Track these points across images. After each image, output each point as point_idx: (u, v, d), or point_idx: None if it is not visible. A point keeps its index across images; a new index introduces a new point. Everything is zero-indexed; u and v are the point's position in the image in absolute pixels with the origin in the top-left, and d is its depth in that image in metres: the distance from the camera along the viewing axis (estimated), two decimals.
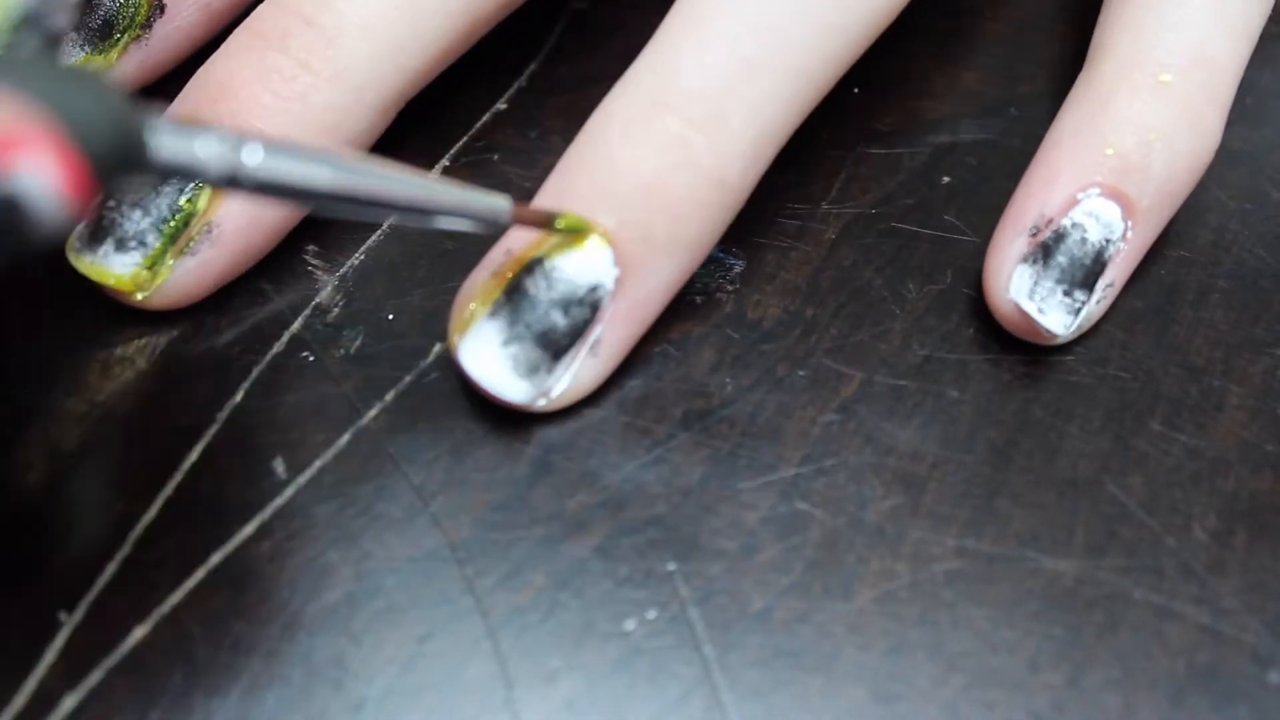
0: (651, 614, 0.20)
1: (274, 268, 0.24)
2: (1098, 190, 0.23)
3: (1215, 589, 0.21)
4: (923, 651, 0.20)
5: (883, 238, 0.26)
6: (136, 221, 0.23)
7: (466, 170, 0.26)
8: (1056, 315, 0.23)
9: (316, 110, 0.23)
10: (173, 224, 0.22)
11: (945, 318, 0.24)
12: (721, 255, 0.25)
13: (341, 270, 0.25)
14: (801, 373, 0.23)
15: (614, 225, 0.21)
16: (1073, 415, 0.23)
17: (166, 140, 0.16)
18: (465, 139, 0.27)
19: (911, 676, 0.20)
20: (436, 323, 0.23)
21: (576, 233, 0.21)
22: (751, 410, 0.23)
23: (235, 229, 0.23)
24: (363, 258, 0.25)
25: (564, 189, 0.22)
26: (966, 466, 0.22)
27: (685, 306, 0.24)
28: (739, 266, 0.25)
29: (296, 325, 0.24)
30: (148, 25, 0.26)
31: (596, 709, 0.20)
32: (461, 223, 0.20)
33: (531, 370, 0.22)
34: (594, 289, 0.21)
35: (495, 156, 0.27)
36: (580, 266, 0.21)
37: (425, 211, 0.19)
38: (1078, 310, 0.23)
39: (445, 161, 0.27)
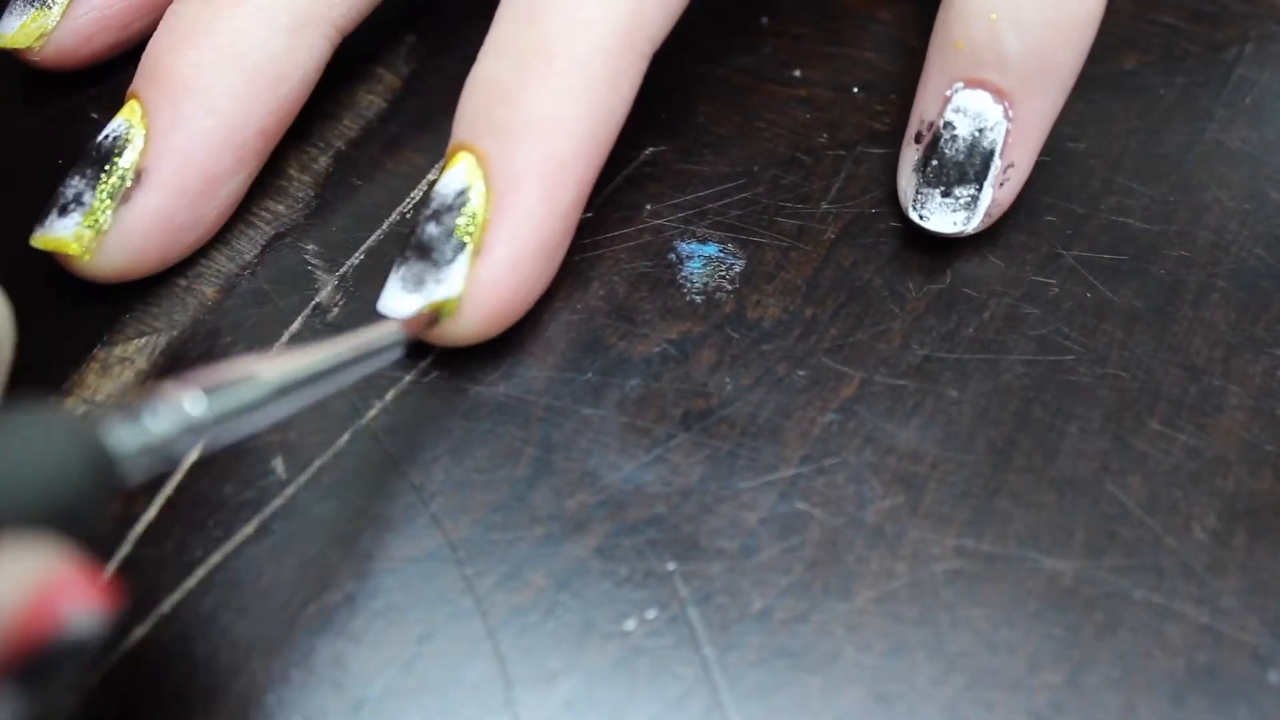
0: (651, 614, 0.20)
1: (274, 268, 0.24)
2: (961, 84, 0.24)
3: (1215, 589, 0.21)
4: (922, 651, 0.20)
5: (882, 237, 0.26)
6: (75, 185, 0.23)
7: None
8: (940, 217, 0.24)
9: (224, 40, 0.23)
10: (108, 180, 0.23)
11: (945, 317, 0.24)
12: (721, 254, 0.25)
13: (341, 270, 0.25)
14: (801, 373, 0.23)
15: (468, 135, 0.23)
16: (1072, 415, 0.23)
17: (126, 438, 0.16)
18: None
19: (911, 676, 0.20)
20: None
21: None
22: (751, 410, 0.23)
23: (167, 171, 0.23)
24: (363, 258, 0.25)
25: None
26: (966, 466, 0.22)
27: (685, 306, 0.24)
28: (739, 266, 0.25)
29: (296, 325, 0.24)
30: None
31: (596, 709, 0.20)
32: (378, 360, 0.21)
33: (418, 283, 0.22)
34: (460, 193, 0.22)
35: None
36: (448, 180, 0.23)
37: (352, 364, 0.20)
38: (969, 205, 0.24)
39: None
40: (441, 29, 0.29)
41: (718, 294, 0.24)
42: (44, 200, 0.24)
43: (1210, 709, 0.20)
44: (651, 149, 0.26)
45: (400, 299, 0.22)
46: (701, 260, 0.25)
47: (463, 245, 0.22)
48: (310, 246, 0.25)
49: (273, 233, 0.25)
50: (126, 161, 0.23)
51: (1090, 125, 0.27)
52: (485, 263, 0.22)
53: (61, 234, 0.23)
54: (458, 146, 0.23)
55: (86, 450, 0.15)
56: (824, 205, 0.26)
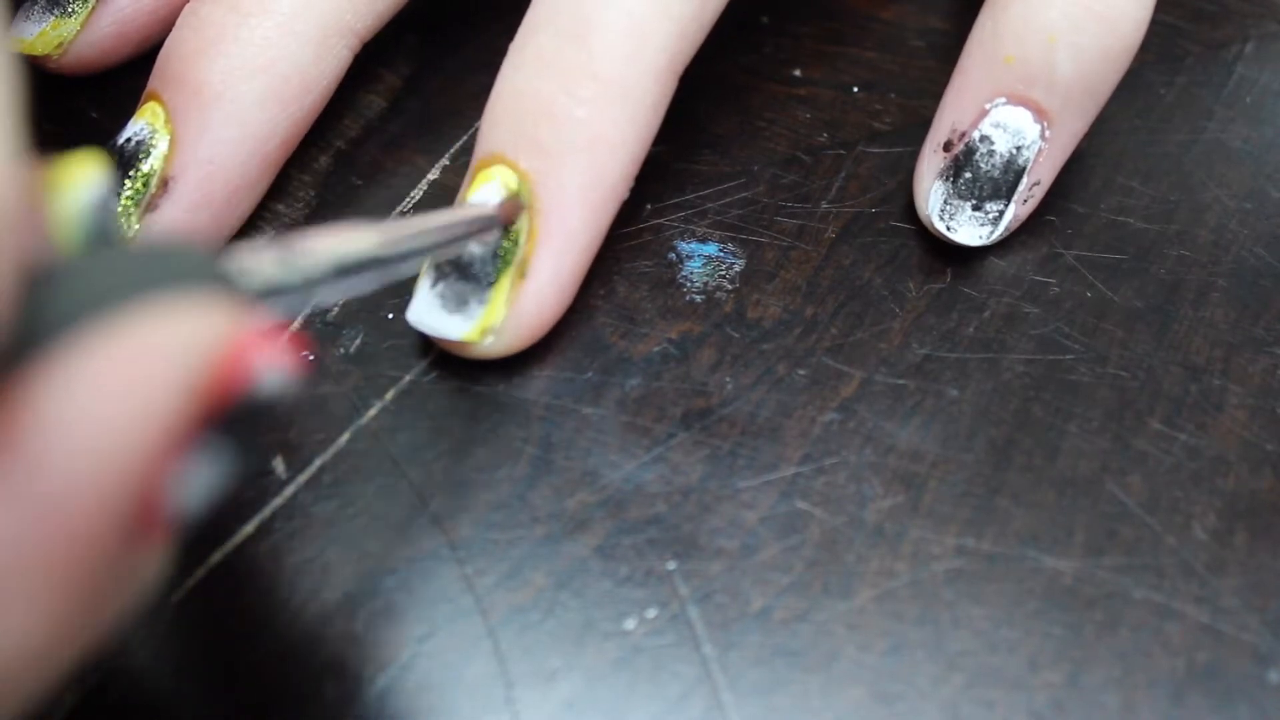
0: (651, 613, 0.20)
1: None
2: (1004, 100, 0.24)
3: (1215, 588, 0.21)
4: (923, 650, 0.20)
5: (882, 237, 0.25)
6: None
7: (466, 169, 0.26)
8: (968, 230, 0.24)
9: (250, 49, 0.23)
10: (134, 187, 0.23)
11: (945, 317, 0.24)
12: (721, 254, 0.25)
13: None
14: (801, 372, 0.23)
15: (507, 149, 0.22)
16: (1072, 414, 0.23)
17: (252, 277, 0.16)
18: (465, 137, 0.27)
19: (911, 676, 0.20)
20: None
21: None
22: (751, 409, 0.23)
23: (193, 180, 0.23)
24: None
25: (480, 132, 0.23)
26: (966, 466, 0.22)
27: (685, 306, 0.24)
28: (739, 265, 0.25)
29: (296, 324, 0.24)
30: None
31: (596, 708, 0.20)
32: (471, 241, 0.21)
33: (460, 303, 0.22)
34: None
35: None
36: (485, 196, 0.22)
37: (446, 243, 0.20)
38: (995, 219, 0.24)
39: (445, 160, 0.27)
40: (442, 29, 0.29)
41: (718, 293, 0.24)
42: None
43: (1210, 708, 0.20)
44: (651, 148, 0.26)
45: (439, 317, 0.22)
46: (701, 260, 0.25)
47: (506, 265, 0.22)
48: None
49: (273, 232, 0.25)
50: (150, 168, 0.23)
51: (1091, 124, 0.27)
52: (531, 284, 0.22)
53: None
54: (495, 160, 0.22)
55: (218, 283, 0.15)
56: (824, 205, 0.26)
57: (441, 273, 0.22)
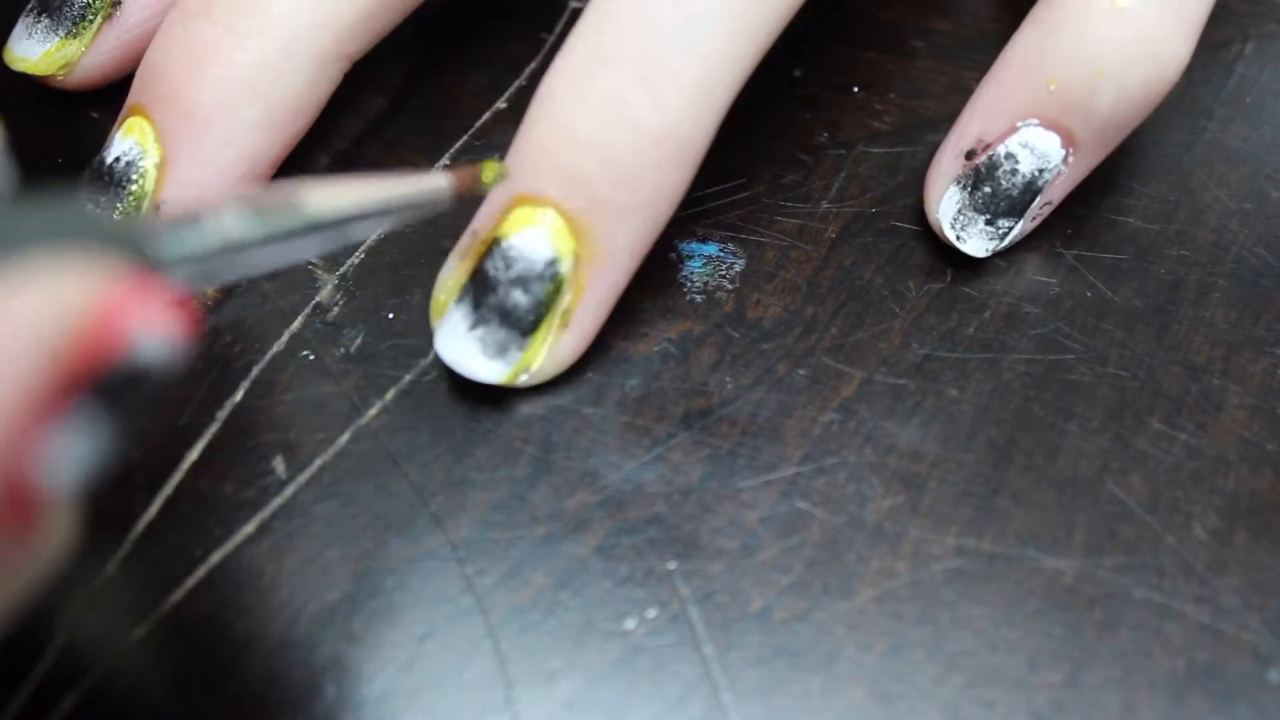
0: (651, 613, 0.20)
1: None
2: (1037, 121, 0.23)
3: (1215, 587, 0.21)
4: (923, 650, 0.20)
5: (882, 236, 0.25)
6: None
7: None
8: (976, 242, 0.24)
9: (246, 72, 0.23)
10: (124, 209, 0.23)
11: (945, 316, 0.24)
12: (721, 254, 0.25)
13: (341, 269, 0.25)
14: (801, 372, 0.23)
15: (559, 194, 0.21)
16: (1073, 414, 0.23)
17: (168, 245, 0.15)
18: (465, 137, 0.27)
19: (911, 675, 0.20)
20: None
21: (526, 206, 0.21)
22: (751, 409, 0.23)
23: (185, 203, 0.23)
24: (363, 257, 0.25)
25: (515, 158, 0.22)
26: (966, 465, 0.22)
27: (685, 306, 0.24)
28: (739, 265, 0.25)
29: (296, 324, 0.24)
30: (118, 3, 0.26)
31: (596, 708, 0.20)
32: (423, 210, 0.19)
33: (500, 350, 0.22)
34: (551, 263, 0.21)
35: (496, 155, 0.27)
36: (534, 242, 0.21)
37: (398, 209, 0.19)
38: (1004, 235, 0.24)
39: (445, 160, 0.27)
40: (443, 29, 0.29)
41: (718, 293, 0.24)
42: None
43: (1210, 708, 0.20)
44: None
45: (478, 362, 0.22)
46: (702, 259, 0.25)
47: (549, 310, 0.22)
48: None
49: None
50: (139, 189, 0.23)
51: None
52: (573, 334, 0.22)
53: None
54: (540, 201, 0.21)
55: (126, 253, 0.14)
56: (824, 204, 0.26)
57: (481, 318, 0.22)
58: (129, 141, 0.23)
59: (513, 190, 0.21)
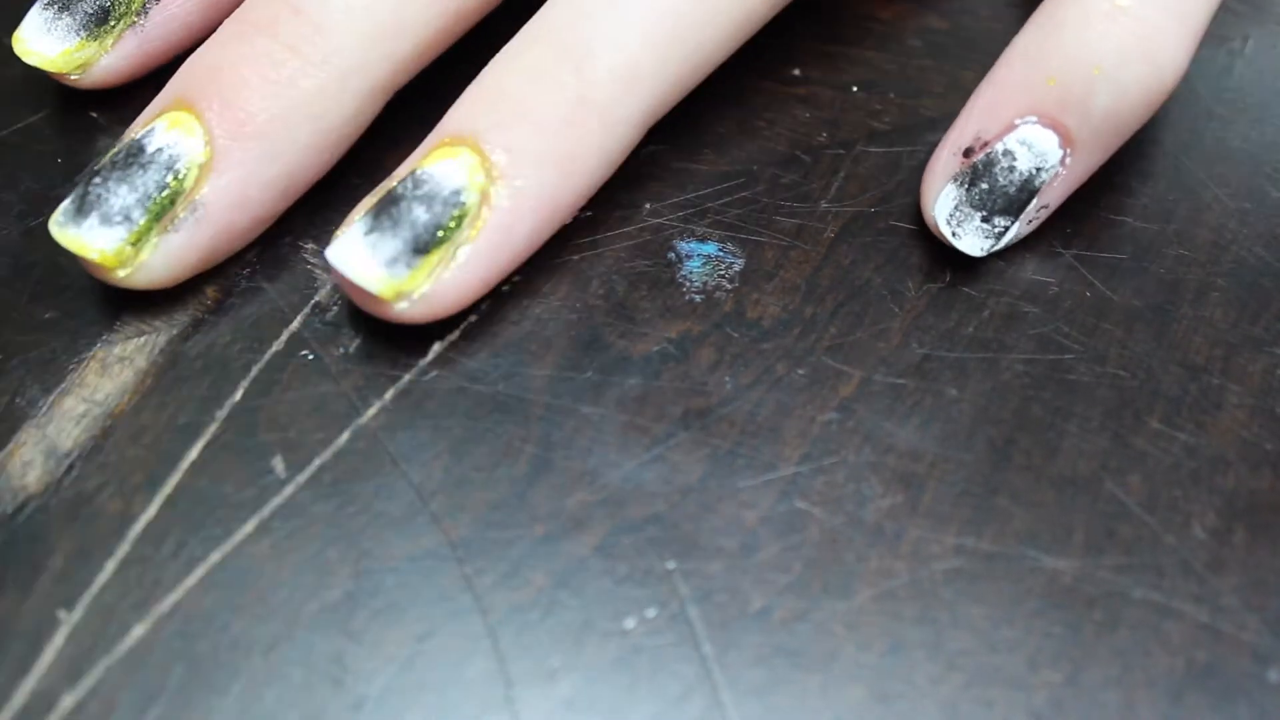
0: (651, 612, 0.20)
1: (273, 266, 0.24)
2: (1035, 119, 0.24)
3: (1214, 587, 0.21)
4: (922, 650, 0.20)
5: (882, 236, 0.26)
6: (123, 197, 0.23)
7: None
8: (972, 240, 0.24)
9: (304, 95, 0.23)
10: (159, 200, 0.23)
11: (944, 316, 0.24)
12: (720, 253, 0.25)
13: None
14: (800, 371, 0.23)
15: (478, 136, 0.23)
16: (1072, 414, 0.23)
17: None
18: None
19: (911, 675, 0.20)
20: (436, 322, 0.23)
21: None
22: (751, 409, 0.23)
23: (221, 207, 0.23)
24: None
25: (447, 114, 0.23)
26: (966, 465, 0.22)
27: (684, 305, 0.24)
28: (738, 265, 0.25)
29: (296, 323, 0.24)
30: (144, 11, 0.26)
31: (596, 707, 0.20)
32: None
33: (389, 262, 0.22)
34: (457, 191, 0.22)
35: None
36: (445, 169, 0.23)
37: None
38: (999, 235, 0.24)
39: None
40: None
41: (717, 293, 0.24)
42: (60, 191, 0.23)
43: (1210, 707, 0.20)
44: (651, 147, 0.26)
45: (364, 265, 0.22)
46: (701, 259, 0.25)
47: (444, 241, 0.22)
48: (310, 246, 0.25)
49: (272, 232, 0.25)
50: (176, 184, 0.23)
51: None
52: (459, 271, 0.22)
53: (102, 245, 0.22)
54: (466, 141, 0.23)
55: None
56: (823, 204, 0.26)
57: (378, 224, 0.22)
58: (175, 134, 0.23)
59: (440, 135, 0.23)
